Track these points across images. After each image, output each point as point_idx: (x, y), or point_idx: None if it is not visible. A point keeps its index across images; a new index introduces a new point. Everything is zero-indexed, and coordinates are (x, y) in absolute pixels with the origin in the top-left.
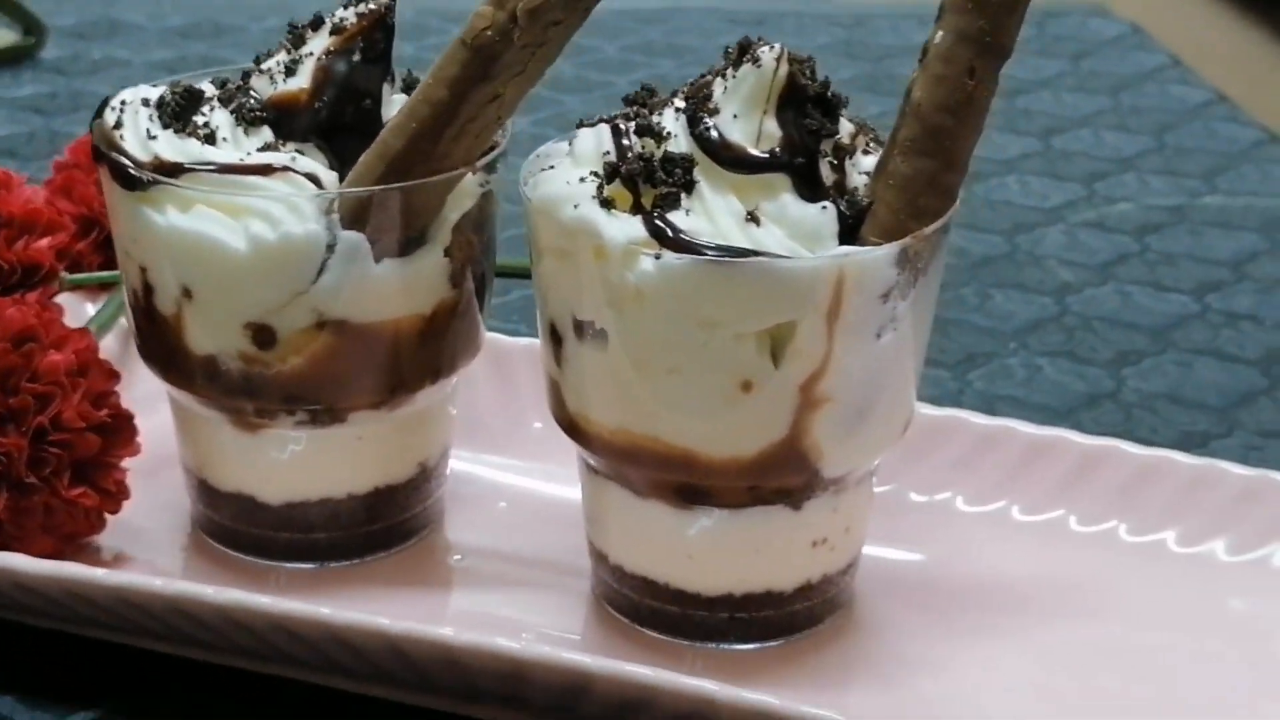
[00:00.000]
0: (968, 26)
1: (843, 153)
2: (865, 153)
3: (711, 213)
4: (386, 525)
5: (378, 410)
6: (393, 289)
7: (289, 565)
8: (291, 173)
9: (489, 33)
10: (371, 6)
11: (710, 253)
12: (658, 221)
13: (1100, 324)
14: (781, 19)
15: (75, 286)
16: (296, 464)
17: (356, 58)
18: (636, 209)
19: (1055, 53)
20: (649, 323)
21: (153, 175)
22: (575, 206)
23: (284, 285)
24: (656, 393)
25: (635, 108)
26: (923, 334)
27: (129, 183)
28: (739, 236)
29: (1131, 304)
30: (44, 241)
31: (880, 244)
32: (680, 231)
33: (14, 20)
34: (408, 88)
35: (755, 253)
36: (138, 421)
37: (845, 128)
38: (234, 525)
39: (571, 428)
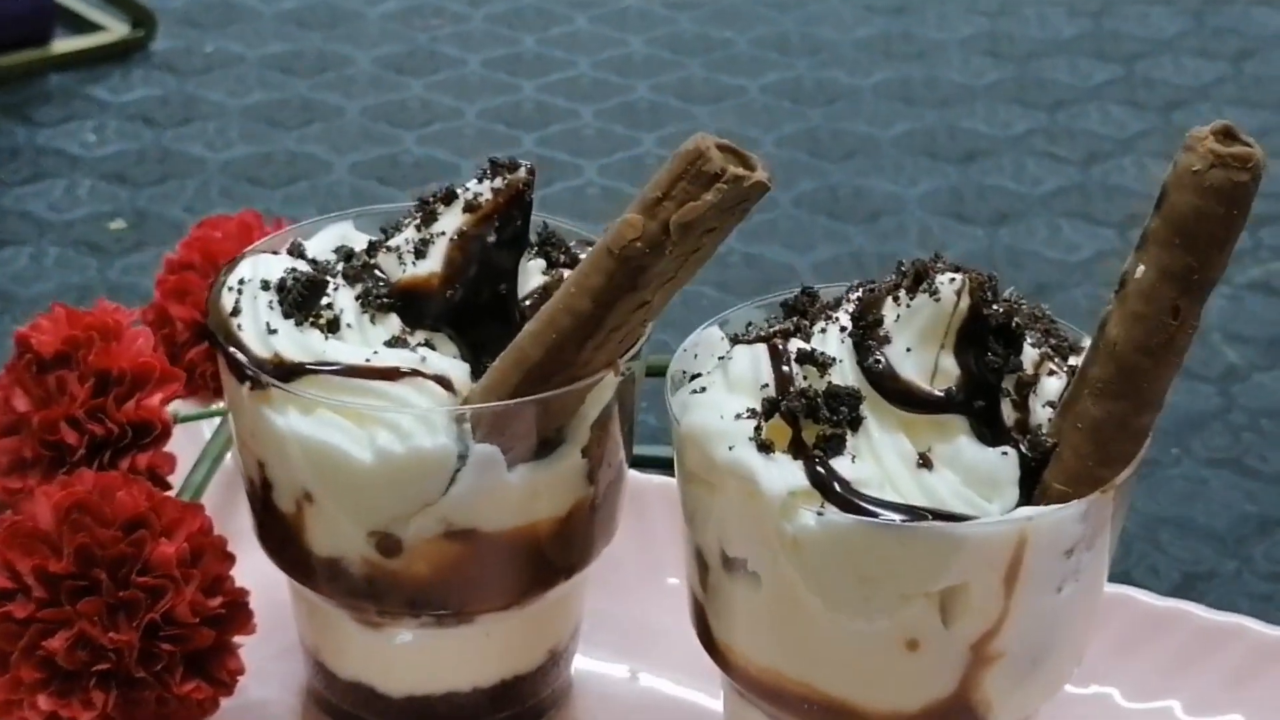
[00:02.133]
0: (1173, 263)
1: (1025, 388)
2: (1051, 374)
3: (879, 454)
4: (513, 713)
5: (507, 610)
6: (527, 496)
7: None
8: (421, 377)
9: (639, 244)
10: (508, 180)
11: (878, 513)
12: (820, 469)
13: None
14: (923, 7)
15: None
16: (419, 659)
17: (492, 239)
18: (796, 447)
19: None
20: (807, 574)
21: (272, 380)
22: (730, 448)
23: (411, 497)
24: (812, 643)
25: (795, 319)
26: (1104, 572)
27: (248, 380)
28: (909, 482)
29: None
30: (156, 398)
31: (1066, 493)
32: (846, 483)
33: (121, 10)
34: (544, 245)
35: (927, 513)
36: (252, 583)
37: (1028, 355)
38: (352, 710)
39: (716, 653)
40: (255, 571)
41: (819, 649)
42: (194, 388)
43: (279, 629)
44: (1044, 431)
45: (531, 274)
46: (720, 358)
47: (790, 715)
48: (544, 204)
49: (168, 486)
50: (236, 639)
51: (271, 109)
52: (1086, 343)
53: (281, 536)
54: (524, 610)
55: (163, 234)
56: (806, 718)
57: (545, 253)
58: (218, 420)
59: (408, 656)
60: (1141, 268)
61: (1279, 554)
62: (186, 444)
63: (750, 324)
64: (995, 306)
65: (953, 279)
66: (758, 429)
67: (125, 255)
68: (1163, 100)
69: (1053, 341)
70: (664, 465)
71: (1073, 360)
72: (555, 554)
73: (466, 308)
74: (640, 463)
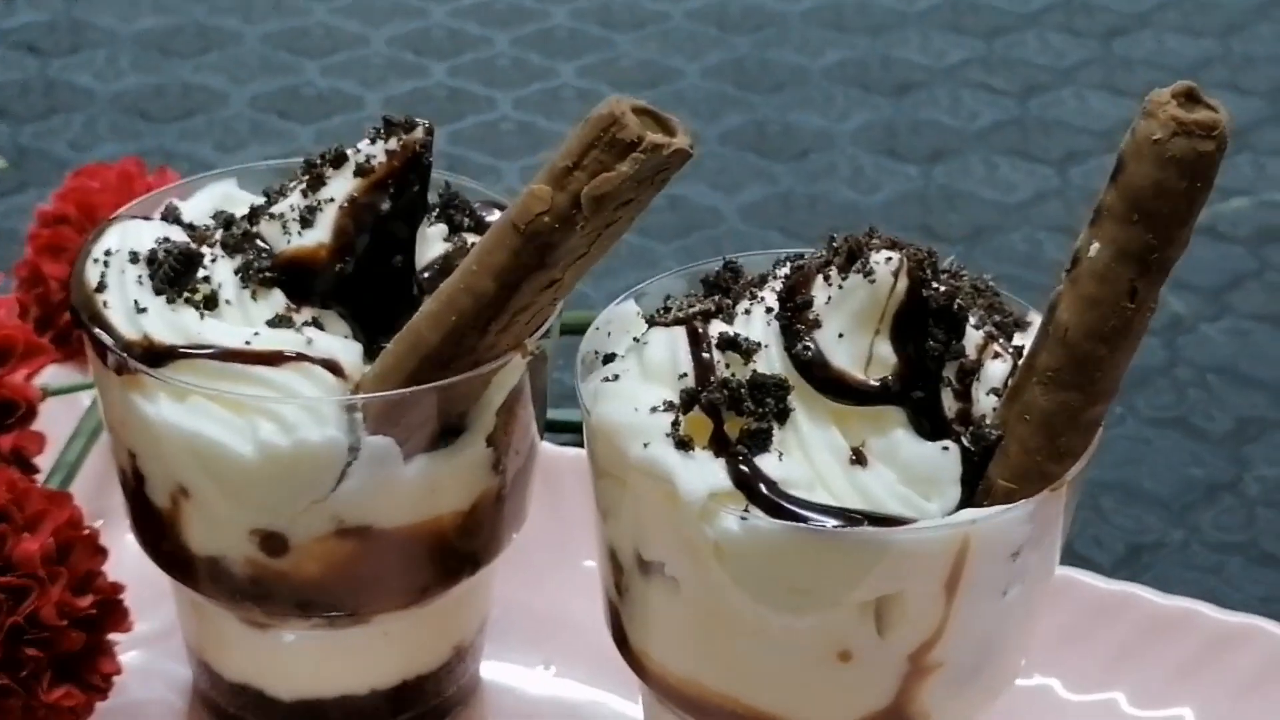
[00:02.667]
0: (1130, 241)
1: (968, 376)
2: (995, 357)
3: (809, 450)
4: (415, 714)
5: (407, 609)
6: (426, 490)
7: None
8: (307, 361)
9: (546, 219)
10: (404, 141)
11: (808, 516)
12: (744, 468)
13: None
14: None
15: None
16: (310, 661)
17: (386, 206)
18: (718, 443)
19: None
20: (730, 582)
21: (140, 366)
22: (645, 445)
23: (297, 494)
24: (736, 654)
25: (717, 297)
26: (1051, 570)
27: (115, 364)
28: (841, 481)
29: None
30: (20, 374)
31: (1013, 490)
32: (772, 483)
33: None
34: (446, 208)
35: (862, 516)
36: (136, 569)
37: (971, 337)
38: (239, 713)
39: (633, 661)
40: (139, 555)
41: (744, 660)
42: (70, 352)
43: (167, 618)
44: (988, 423)
45: (431, 241)
46: (636, 339)
47: None
48: (456, 139)
49: (34, 470)
50: (113, 637)
51: (165, 36)
52: (1033, 318)
53: (157, 532)
54: (425, 608)
55: (46, 174)
56: None
57: (447, 216)
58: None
59: (297, 658)
60: (1096, 245)
61: (1228, 522)
62: (61, 416)
63: (669, 298)
64: (935, 286)
65: (889, 258)
66: (675, 424)
67: (5, 197)
68: (1104, 27)
69: (996, 319)
70: (578, 430)
71: (1019, 339)
72: (459, 549)
73: (358, 282)
74: (552, 427)
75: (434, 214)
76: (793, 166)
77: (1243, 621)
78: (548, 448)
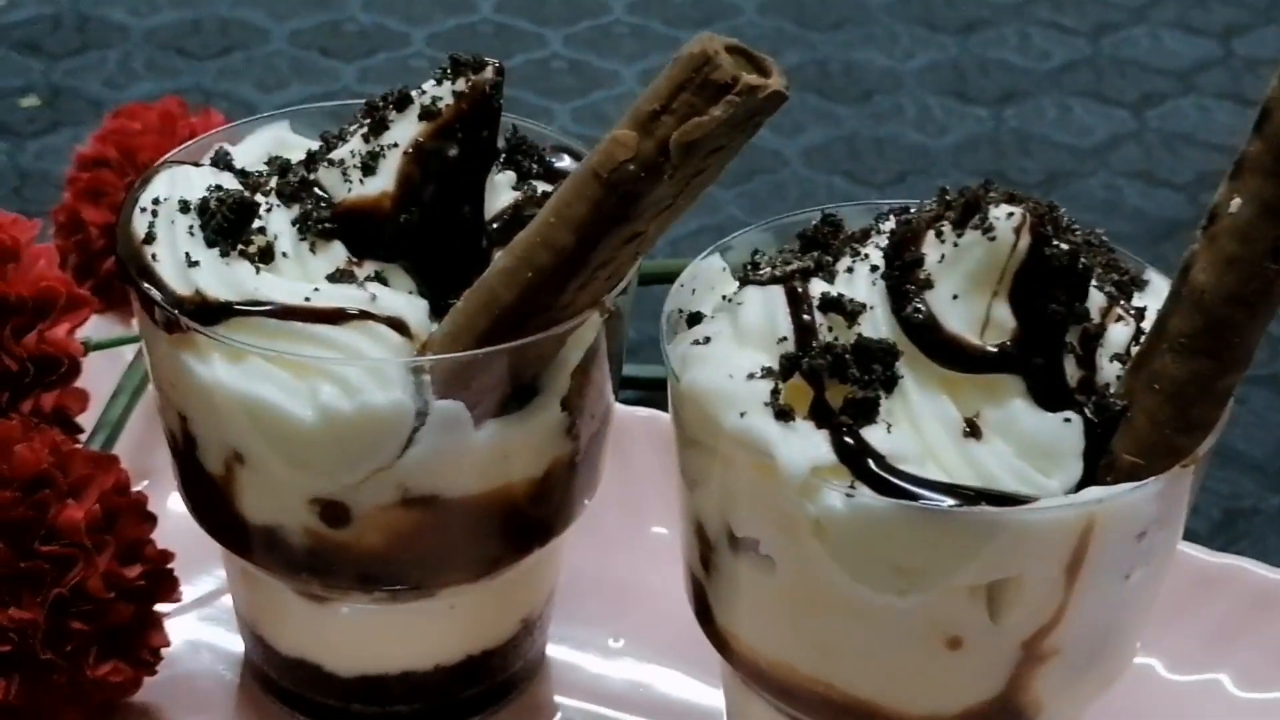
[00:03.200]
0: (1275, 196)
1: (1091, 341)
2: (1118, 320)
3: (919, 421)
4: (480, 690)
5: (474, 583)
6: (497, 456)
7: None
8: (371, 320)
9: (631, 168)
10: (472, 82)
11: (919, 494)
12: (849, 440)
13: None
14: None
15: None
16: (372, 636)
17: (453, 152)
18: (820, 413)
19: None
20: (832, 562)
21: (192, 323)
22: (742, 415)
23: (360, 461)
24: (834, 638)
25: (816, 254)
26: (1175, 549)
27: (166, 322)
28: (954, 456)
29: None
30: (62, 328)
31: (1139, 465)
32: (880, 456)
33: None
34: (513, 153)
35: (976, 494)
36: (183, 535)
37: (1093, 299)
38: (295, 689)
39: (717, 640)
40: (186, 518)
41: (842, 645)
42: (113, 302)
43: (217, 585)
44: (1112, 393)
45: (499, 190)
46: (726, 298)
47: (804, 714)
48: (505, 78)
49: (78, 429)
50: (160, 607)
51: None
52: (1150, 275)
53: (209, 500)
54: (494, 580)
55: (80, 113)
56: (823, 717)
57: (515, 162)
58: (140, 344)
59: (358, 632)
60: (1237, 201)
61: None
62: (104, 371)
63: (757, 253)
64: (1057, 244)
65: (1010, 213)
66: (775, 391)
67: (38, 137)
68: None
69: (1114, 278)
70: (648, 387)
71: (1138, 300)
72: (530, 518)
73: (424, 234)
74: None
75: (501, 160)
76: (857, 108)
77: None
78: (617, 407)
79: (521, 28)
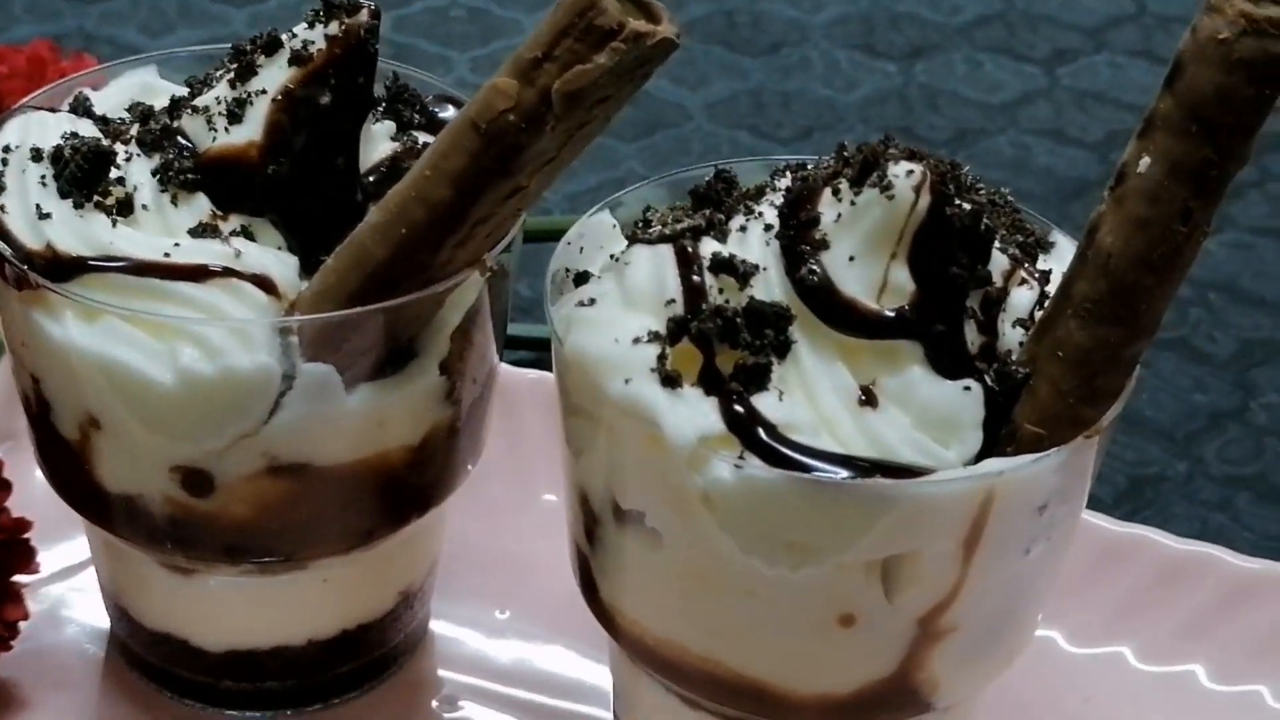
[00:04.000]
0: (1187, 155)
1: (993, 306)
2: (1022, 284)
3: (813, 389)
4: (356, 666)
5: (347, 555)
6: (371, 423)
7: (232, 713)
8: (235, 277)
9: (511, 117)
10: (346, 25)
11: (812, 465)
12: (738, 409)
13: None
14: None
15: None
16: (241, 611)
17: (326, 99)
18: (710, 380)
19: None
20: (721, 537)
21: (42, 280)
22: (626, 381)
23: (224, 427)
24: (723, 615)
25: (708, 212)
26: (1076, 523)
27: (15, 278)
28: (849, 425)
29: None
30: None
31: (1041, 436)
32: (771, 426)
33: None
34: (394, 102)
35: (872, 465)
36: (44, 502)
37: (996, 261)
38: (162, 664)
39: (603, 616)
40: (47, 487)
41: (731, 622)
42: None
43: (84, 558)
44: (1015, 360)
45: (377, 140)
46: (614, 258)
47: (693, 693)
48: (401, 26)
49: None
50: (20, 578)
51: None
52: (1057, 237)
53: (65, 467)
54: (369, 552)
55: None
56: (713, 698)
57: (395, 112)
58: None
59: (226, 606)
60: (1146, 160)
61: (1235, 454)
62: None
63: (649, 209)
64: (959, 204)
65: (910, 171)
66: (661, 357)
67: None
68: None
69: (1019, 239)
70: (537, 347)
71: (1044, 263)
72: (408, 487)
73: (294, 186)
74: (508, 344)
75: (380, 109)
76: (764, 61)
77: (1263, 569)
78: (504, 369)
79: None
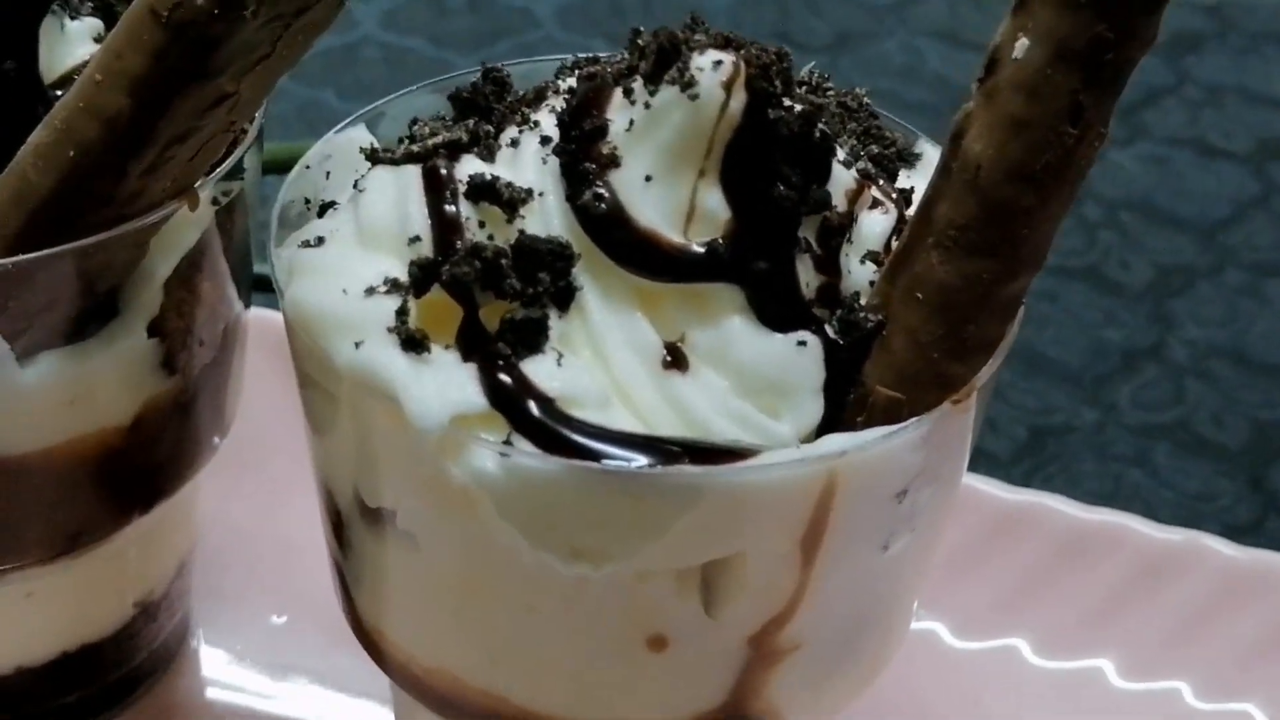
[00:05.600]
0: (1075, 33)
1: (834, 236)
2: (874, 207)
3: (603, 347)
4: (87, 693)
5: (54, 562)
6: (58, 401)
7: None
8: None
9: (199, 2)
10: None
11: (599, 451)
12: (504, 377)
13: None
14: None
15: None
16: None
17: None
18: (469, 340)
19: None
20: (487, 540)
21: None
22: (358, 345)
23: None
24: (500, 638)
25: (473, 123)
26: (950, 507)
27: None
28: (650, 394)
29: None
30: None
31: (898, 400)
32: (547, 399)
33: None
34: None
35: (679, 447)
36: None
37: (840, 178)
38: None
39: (364, 639)
40: None
41: (512, 648)
42: None
43: None
44: (863, 305)
45: (72, 41)
46: (356, 186)
47: None
48: None
49: None
50: None
51: None
52: (924, 147)
53: None
54: (83, 559)
55: None
56: None
57: (104, 7)
58: None
59: None
60: (1023, 42)
61: (1151, 398)
62: None
63: (416, 123)
64: (787, 105)
65: (718, 62)
66: (402, 312)
67: None
68: None
69: (874, 150)
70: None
71: (905, 179)
72: (123, 478)
73: None
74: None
75: (86, 6)
76: None
77: (1184, 541)
78: (265, 316)
79: None
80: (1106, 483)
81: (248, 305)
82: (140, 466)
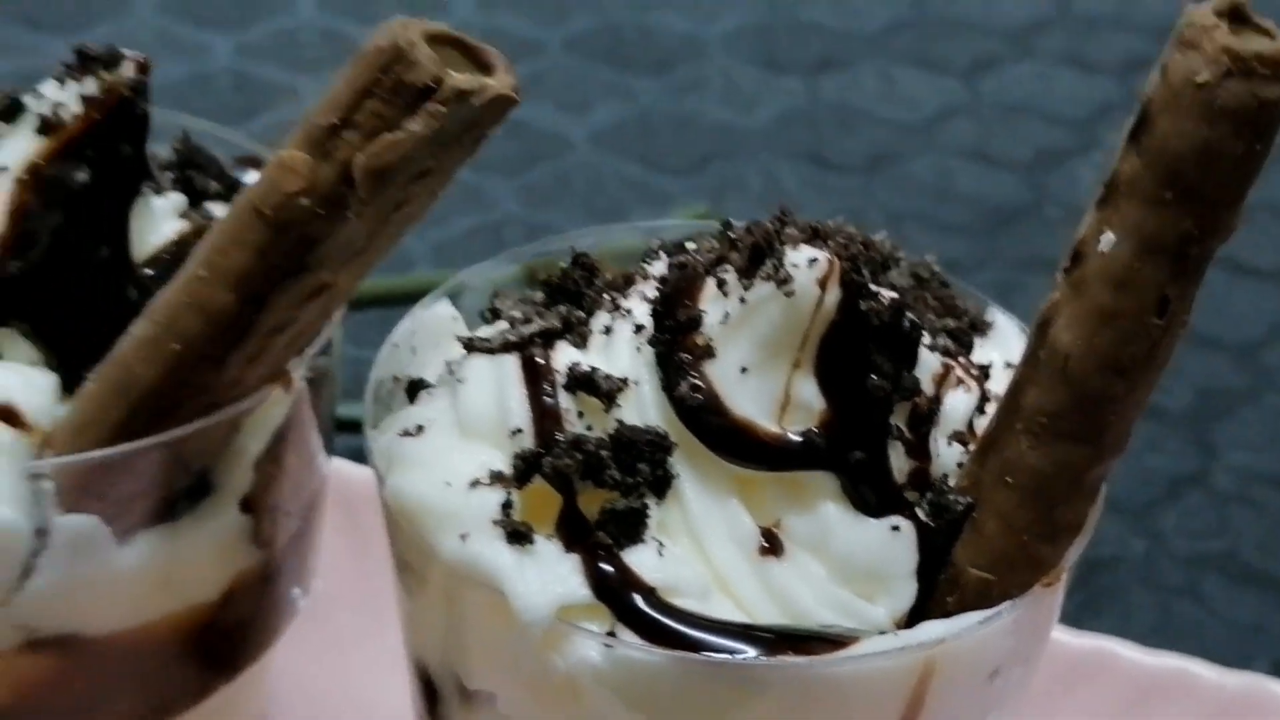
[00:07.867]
0: (1163, 228)
1: (924, 423)
2: (958, 385)
3: (701, 538)
4: None
5: None
6: (154, 581)
7: None
8: None
9: (305, 201)
10: (108, 83)
11: (704, 641)
12: (607, 567)
13: None
14: None
15: None
16: None
17: (83, 176)
18: (570, 530)
19: None
20: None
21: None
22: (463, 538)
23: None
24: None
25: (565, 307)
26: (1033, 677)
27: None
28: (748, 581)
29: None
30: None
31: (988, 582)
32: (649, 589)
33: None
34: (184, 168)
35: (780, 637)
36: None
37: (925, 363)
38: None
39: None
40: None
41: None
42: None
43: None
44: (953, 487)
45: (158, 220)
46: (450, 368)
47: None
48: (245, 51)
49: None
50: None
51: None
52: (995, 316)
53: None
54: None
55: None
56: None
57: (185, 181)
58: None
59: None
60: (1109, 236)
61: (1197, 526)
62: None
63: (497, 296)
64: (877, 296)
65: (813, 260)
66: (506, 506)
67: None
68: None
69: (949, 324)
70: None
71: (981, 353)
72: (208, 651)
73: (47, 286)
74: (342, 426)
75: (164, 179)
76: (654, 80)
77: (1243, 685)
78: (342, 467)
79: None
80: (1158, 615)
81: (330, 452)
82: (227, 637)
